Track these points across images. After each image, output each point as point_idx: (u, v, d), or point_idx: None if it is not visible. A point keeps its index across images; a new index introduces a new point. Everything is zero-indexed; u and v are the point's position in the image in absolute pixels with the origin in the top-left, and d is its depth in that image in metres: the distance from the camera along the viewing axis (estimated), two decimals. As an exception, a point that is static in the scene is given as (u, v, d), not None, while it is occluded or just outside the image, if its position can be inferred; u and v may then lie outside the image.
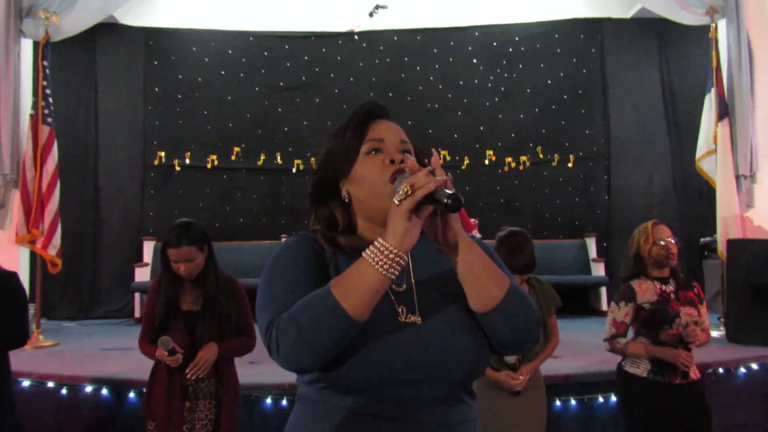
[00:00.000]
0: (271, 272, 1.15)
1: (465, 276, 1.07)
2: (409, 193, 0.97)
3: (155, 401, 2.59)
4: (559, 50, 7.63)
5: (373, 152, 1.18)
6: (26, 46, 5.62)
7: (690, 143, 6.36)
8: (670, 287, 2.77)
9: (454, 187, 1.00)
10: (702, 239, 6.53)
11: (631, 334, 2.83)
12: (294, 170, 7.42)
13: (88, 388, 3.74)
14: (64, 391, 3.76)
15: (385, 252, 0.98)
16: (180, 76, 7.50)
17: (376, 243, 1.00)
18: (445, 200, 0.96)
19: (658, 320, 2.69)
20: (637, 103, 7.47)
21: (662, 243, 2.75)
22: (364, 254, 1.00)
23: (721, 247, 5.33)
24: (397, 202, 0.99)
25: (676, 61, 7.46)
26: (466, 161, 7.58)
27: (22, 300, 2.77)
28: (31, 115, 5.46)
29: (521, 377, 2.65)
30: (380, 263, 0.98)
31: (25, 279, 5.22)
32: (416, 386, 1.06)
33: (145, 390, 2.72)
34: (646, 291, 2.75)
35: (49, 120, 5.52)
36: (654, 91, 7.47)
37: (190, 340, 2.55)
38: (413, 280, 1.15)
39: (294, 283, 1.10)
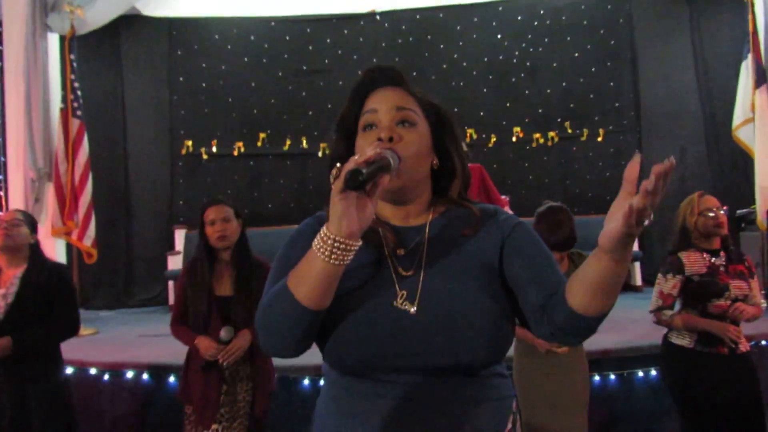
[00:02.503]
0: (276, 258, 1.16)
1: (603, 280, 0.93)
2: (336, 175, 0.92)
3: (192, 385, 2.59)
4: (585, 22, 7.45)
5: (368, 128, 1.13)
6: (53, 41, 5.67)
7: (724, 113, 6.18)
8: (719, 260, 2.70)
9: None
10: (739, 211, 6.36)
11: (677, 305, 2.77)
12: (320, 154, 7.42)
13: (129, 374, 3.81)
14: (106, 377, 3.84)
15: (325, 239, 0.94)
16: (203, 65, 7.53)
17: (321, 230, 0.95)
18: (347, 178, 0.90)
19: (707, 293, 2.63)
20: (668, 74, 7.26)
21: (710, 214, 2.68)
22: (313, 242, 0.96)
23: (761, 218, 5.19)
24: (332, 183, 0.93)
25: (709, 29, 7.21)
26: (493, 139, 7.49)
27: (72, 291, 2.85)
28: (61, 109, 5.54)
29: None
30: (322, 251, 0.94)
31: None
32: (411, 372, 1.03)
33: (181, 374, 2.74)
34: (695, 263, 2.68)
35: (79, 113, 5.60)
36: (685, 61, 7.25)
37: (225, 325, 2.54)
38: (423, 265, 1.09)
39: (286, 271, 1.08)
